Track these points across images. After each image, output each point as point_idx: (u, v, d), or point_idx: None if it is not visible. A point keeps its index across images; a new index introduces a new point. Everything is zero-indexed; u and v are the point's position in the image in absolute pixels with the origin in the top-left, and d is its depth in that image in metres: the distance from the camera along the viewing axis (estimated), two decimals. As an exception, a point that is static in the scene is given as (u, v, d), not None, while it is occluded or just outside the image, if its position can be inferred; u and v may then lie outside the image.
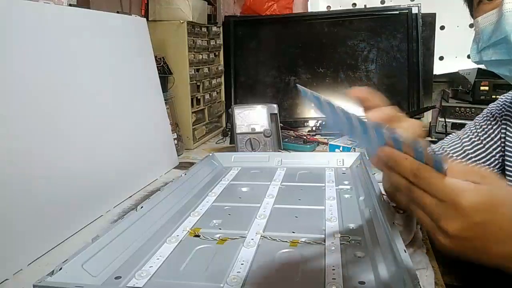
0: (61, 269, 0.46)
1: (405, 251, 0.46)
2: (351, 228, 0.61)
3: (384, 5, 1.59)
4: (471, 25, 1.44)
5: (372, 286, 0.46)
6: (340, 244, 0.56)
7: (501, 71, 0.54)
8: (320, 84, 1.54)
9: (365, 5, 1.60)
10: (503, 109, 0.69)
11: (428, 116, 1.44)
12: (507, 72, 0.53)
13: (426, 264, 0.62)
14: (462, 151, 0.72)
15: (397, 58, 1.48)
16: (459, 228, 0.36)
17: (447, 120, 1.44)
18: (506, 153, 0.66)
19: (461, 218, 0.36)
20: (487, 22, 0.52)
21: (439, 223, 0.37)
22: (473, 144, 0.71)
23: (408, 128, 0.43)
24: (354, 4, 1.63)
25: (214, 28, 1.49)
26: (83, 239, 0.67)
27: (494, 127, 0.69)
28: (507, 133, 0.67)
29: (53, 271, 0.45)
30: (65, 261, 0.47)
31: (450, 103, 1.52)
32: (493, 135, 0.69)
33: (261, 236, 0.59)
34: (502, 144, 0.67)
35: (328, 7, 1.67)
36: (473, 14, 0.57)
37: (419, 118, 1.43)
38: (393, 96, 1.49)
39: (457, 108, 1.45)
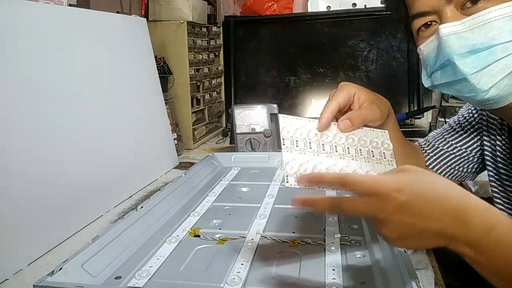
0: (61, 269, 0.46)
1: (405, 251, 0.46)
2: (351, 228, 0.62)
3: (384, 5, 1.59)
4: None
5: (372, 286, 0.46)
6: (340, 244, 0.56)
7: (453, 91, 0.55)
8: (320, 84, 1.54)
9: (365, 5, 1.60)
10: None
11: (428, 116, 1.44)
12: (457, 92, 0.54)
13: (426, 264, 0.62)
14: (442, 138, 0.75)
15: (397, 58, 1.47)
16: (390, 212, 0.37)
17: (447, 120, 1.44)
18: (484, 142, 0.69)
19: (387, 203, 0.37)
20: (429, 48, 0.54)
21: (375, 218, 0.38)
22: (454, 131, 0.74)
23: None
24: (354, 4, 1.63)
25: (214, 28, 1.49)
26: (83, 239, 0.67)
27: (475, 116, 0.72)
28: (484, 134, 0.69)
29: (53, 271, 0.45)
30: (65, 261, 0.47)
31: (450, 103, 1.52)
32: (474, 123, 0.72)
33: (261, 236, 0.59)
34: (481, 134, 0.70)
35: (328, 7, 1.66)
36: (415, 43, 0.59)
37: (419, 118, 1.43)
38: (393, 96, 1.48)
39: (457, 108, 1.45)
